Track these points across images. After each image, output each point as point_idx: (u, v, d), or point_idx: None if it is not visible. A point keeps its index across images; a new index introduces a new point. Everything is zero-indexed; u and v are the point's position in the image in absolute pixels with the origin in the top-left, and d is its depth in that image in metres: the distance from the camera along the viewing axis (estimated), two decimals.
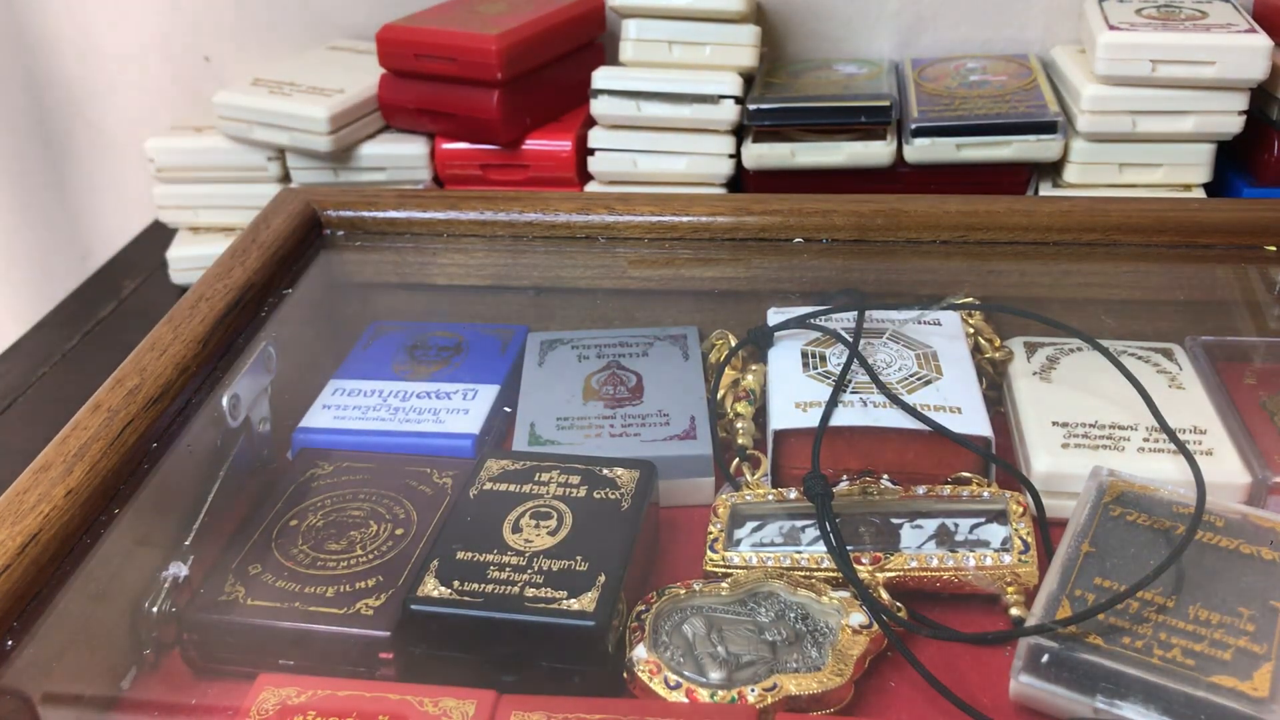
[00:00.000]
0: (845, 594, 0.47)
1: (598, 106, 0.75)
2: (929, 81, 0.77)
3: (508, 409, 0.62)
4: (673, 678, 0.44)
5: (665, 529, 0.54)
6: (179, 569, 0.48)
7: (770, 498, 0.53)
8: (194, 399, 0.53)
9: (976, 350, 0.60)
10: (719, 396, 0.59)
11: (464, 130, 0.77)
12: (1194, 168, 0.72)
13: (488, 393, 0.61)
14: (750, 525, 0.52)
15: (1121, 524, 0.48)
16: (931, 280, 0.64)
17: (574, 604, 0.45)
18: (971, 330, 0.61)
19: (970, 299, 0.62)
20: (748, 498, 0.53)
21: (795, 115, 0.73)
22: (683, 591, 0.48)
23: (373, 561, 0.49)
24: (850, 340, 0.57)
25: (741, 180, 0.76)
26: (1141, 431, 0.54)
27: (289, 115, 0.76)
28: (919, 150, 0.71)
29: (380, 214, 0.68)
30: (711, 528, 0.52)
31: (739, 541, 0.52)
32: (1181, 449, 0.51)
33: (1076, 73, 0.73)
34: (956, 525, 0.51)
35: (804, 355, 0.59)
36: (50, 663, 0.42)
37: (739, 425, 0.58)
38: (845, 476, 0.53)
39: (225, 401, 0.54)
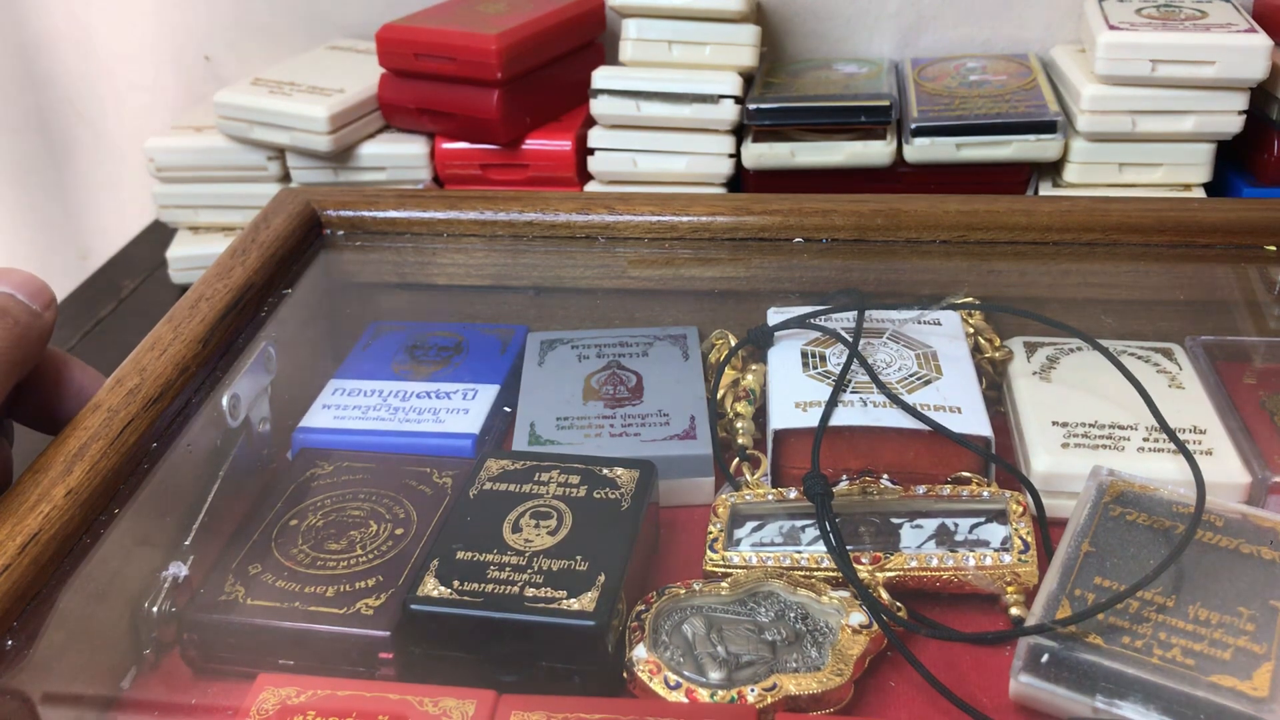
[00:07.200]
0: (845, 594, 0.47)
1: (597, 106, 0.74)
2: (929, 81, 0.77)
3: (508, 409, 0.61)
4: (673, 678, 0.44)
5: (665, 529, 0.54)
6: (179, 569, 0.48)
7: (770, 497, 0.53)
8: (194, 399, 0.53)
9: (976, 350, 0.60)
10: (719, 396, 0.59)
11: (464, 130, 0.77)
12: (1194, 167, 0.72)
13: (488, 393, 0.61)
14: (750, 525, 0.52)
15: (1121, 524, 0.48)
16: (931, 280, 0.64)
17: (574, 604, 0.45)
18: (971, 330, 0.61)
19: (970, 299, 0.62)
20: (748, 497, 0.53)
21: (795, 115, 0.73)
22: (683, 591, 0.48)
23: (373, 561, 0.49)
24: (850, 340, 0.57)
25: (741, 180, 0.76)
26: (1141, 431, 0.54)
27: (289, 115, 0.76)
28: (919, 150, 0.71)
29: (380, 214, 0.68)
30: (711, 527, 0.52)
31: (739, 541, 0.52)
32: (1181, 449, 0.51)
33: (1076, 72, 0.73)
34: (956, 525, 0.51)
35: (804, 355, 0.59)
36: (50, 663, 0.42)
37: (739, 425, 0.58)
38: (845, 476, 0.53)
39: (225, 401, 0.54)
